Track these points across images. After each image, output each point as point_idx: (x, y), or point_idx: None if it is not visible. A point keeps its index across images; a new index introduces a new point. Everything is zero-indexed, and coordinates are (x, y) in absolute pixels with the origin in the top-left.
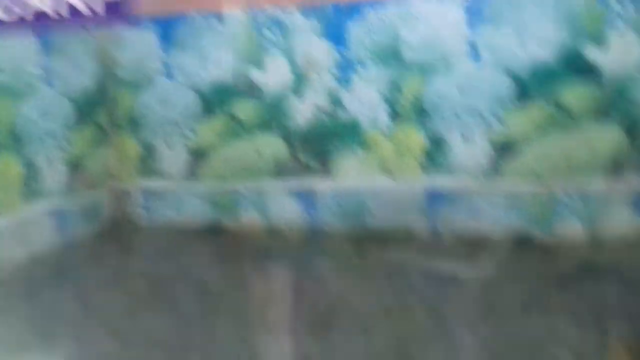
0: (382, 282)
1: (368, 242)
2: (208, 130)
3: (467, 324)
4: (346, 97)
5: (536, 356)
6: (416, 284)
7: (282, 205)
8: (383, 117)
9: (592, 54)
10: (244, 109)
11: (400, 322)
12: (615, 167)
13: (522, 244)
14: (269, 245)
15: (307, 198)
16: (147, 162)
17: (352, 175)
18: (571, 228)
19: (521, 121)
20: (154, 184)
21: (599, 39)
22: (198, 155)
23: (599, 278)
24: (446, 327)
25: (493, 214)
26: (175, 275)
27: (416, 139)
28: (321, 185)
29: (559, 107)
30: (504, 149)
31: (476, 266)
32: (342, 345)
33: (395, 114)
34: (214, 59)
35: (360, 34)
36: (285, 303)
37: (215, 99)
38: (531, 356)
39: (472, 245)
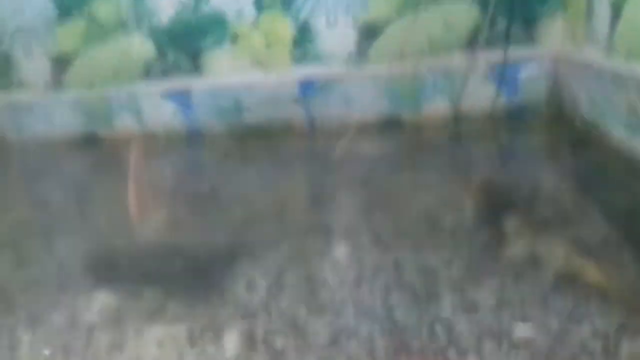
0: (262, 167)
1: (246, 137)
2: (68, 35)
3: (346, 189)
4: None
5: (409, 203)
6: (296, 165)
7: (156, 108)
8: (248, 7)
9: None
10: (104, 9)
11: (282, 193)
12: (472, 42)
13: (393, 124)
14: (147, 150)
15: (181, 98)
16: (8, 75)
17: (224, 72)
18: (437, 106)
19: (382, 3)
20: (18, 97)
21: None
22: (61, 62)
23: (461, 145)
24: (328, 194)
25: (363, 98)
26: (50, 186)
27: (283, 27)
28: (194, 84)
29: None
30: (369, 33)
31: (350, 146)
32: (222, 215)
33: (260, 3)
34: None
35: None
36: (167, 191)
37: (70, 0)
38: (405, 203)
39: (346, 130)
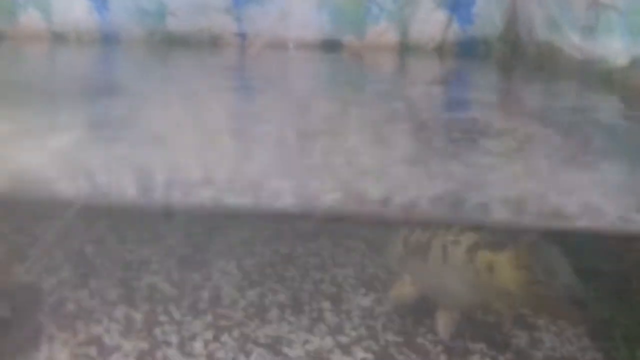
0: (176, 72)
1: (168, 45)
2: None
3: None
4: None
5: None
6: (217, 73)
7: (68, 5)
8: None
9: None
10: None
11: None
12: None
13: (332, 47)
14: (54, 52)
15: None
16: None
17: None
18: (382, 31)
19: None
20: None
21: None
22: None
23: (402, 72)
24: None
25: (304, 15)
26: None
27: None
28: None
29: None
30: None
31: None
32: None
33: None
34: None
35: None
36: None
37: None
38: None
39: (280, 48)
